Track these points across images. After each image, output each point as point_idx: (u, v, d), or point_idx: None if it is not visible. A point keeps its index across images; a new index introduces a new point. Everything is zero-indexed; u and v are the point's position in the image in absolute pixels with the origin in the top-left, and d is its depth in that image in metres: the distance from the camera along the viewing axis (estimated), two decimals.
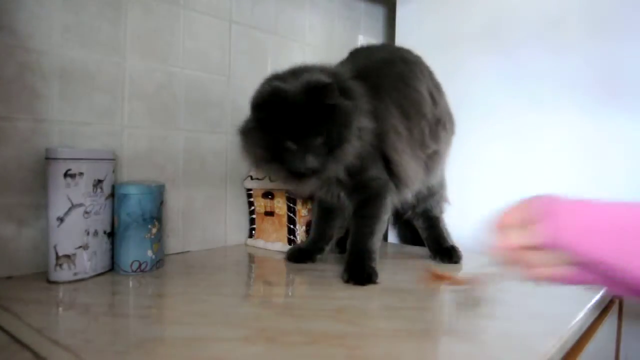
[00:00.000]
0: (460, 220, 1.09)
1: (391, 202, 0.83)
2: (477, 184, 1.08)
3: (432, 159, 0.89)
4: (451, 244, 0.94)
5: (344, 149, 0.71)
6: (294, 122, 0.68)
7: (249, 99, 0.72)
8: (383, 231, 0.81)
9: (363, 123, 0.73)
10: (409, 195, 0.88)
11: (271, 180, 0.95)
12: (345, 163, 0.73)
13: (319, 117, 0.69)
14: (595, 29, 0.91)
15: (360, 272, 0.72)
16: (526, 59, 1.00)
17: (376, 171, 0.79)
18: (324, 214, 0.88)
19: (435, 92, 0.91)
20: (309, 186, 0.75)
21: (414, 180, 0.86)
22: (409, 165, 0.83)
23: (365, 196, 0.78)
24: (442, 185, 1.01)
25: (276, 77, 0.73)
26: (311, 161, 0.68)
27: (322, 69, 0.75)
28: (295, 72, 0.73)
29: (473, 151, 1.09)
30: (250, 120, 0.74)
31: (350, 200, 0.80)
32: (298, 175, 0.72)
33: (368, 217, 0.78)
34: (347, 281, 0.72)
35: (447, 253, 0.91)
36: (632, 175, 0.87)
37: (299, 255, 0.86)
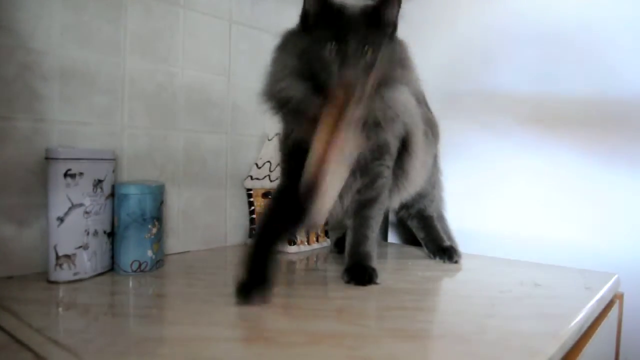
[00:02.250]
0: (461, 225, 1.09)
1: (388, 202, 0.83)
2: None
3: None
4: (449, 243, 0.94)
5: (395, 91, 0.69)
6: (347, 24, 0.65)
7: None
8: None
9: (416, 80, 0.72)
10: (406, 198, 0.89)
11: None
12: (391, 101, 0.68)
13: (376, 30, 0.66)
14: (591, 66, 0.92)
15: (361, 273, 0.72)
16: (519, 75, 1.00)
17: (389, 162, 0.77)
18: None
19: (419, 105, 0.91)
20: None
21: (417, 185, 0.86)
22: (418, 169, 0.83)
23: (368, 197, 0.77)
24: (434, 185, 1.01)
25: None
26: (353, 76, 0.62)
27: None
28: None
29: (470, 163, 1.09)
30: (295, 27, 0.71)
31: (354, 200, 0.78)
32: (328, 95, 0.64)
33: (369, 218, 0.77)
34: (348, 282, 0.72)
35: (447, 252, 0.91)
36: (629, 222, 0.87)
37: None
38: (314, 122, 0.63)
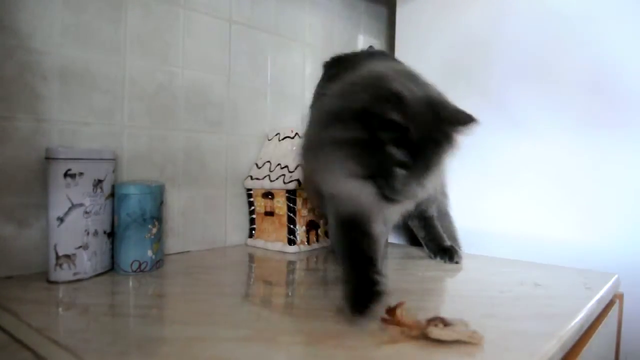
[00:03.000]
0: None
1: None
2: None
3: None
4: (450, 243, 0.94)
5: (441, 170, 0.64)
6: (418, 148, 0.56)
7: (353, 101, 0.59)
8: None
9: None
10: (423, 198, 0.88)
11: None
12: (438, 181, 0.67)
13: (443, 147, 0.59)
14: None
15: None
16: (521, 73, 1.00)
17: None
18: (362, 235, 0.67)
19: None
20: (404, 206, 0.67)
21: (436, 184, 0.87)
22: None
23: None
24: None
25: (392, 80, 0.58)
26: (413, 189, 0.59)
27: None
28: (417, 83, 0.61)
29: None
30: (352, 128, 0.57)
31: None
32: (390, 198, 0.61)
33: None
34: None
35: (447, 252, 0.91)
36: (629, 222, 0.87)
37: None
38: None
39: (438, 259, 0.92)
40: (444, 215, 1.04)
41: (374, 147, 0.56)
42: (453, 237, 1.01)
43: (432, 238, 0.96)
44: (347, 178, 0.60)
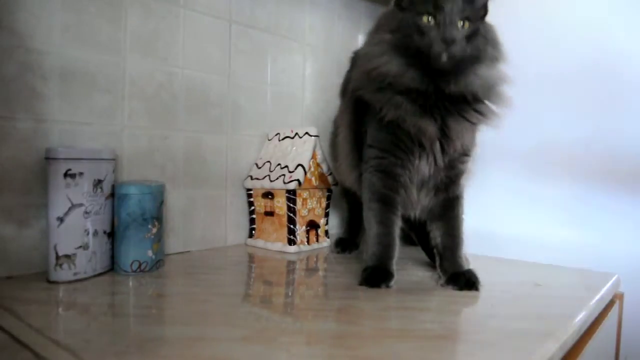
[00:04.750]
0: None
1: None
2: None
3: None
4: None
5: (488, 67, 0.69)
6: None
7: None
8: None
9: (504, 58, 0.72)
10: None
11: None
12: (485, 84, 0.69)
13: (472, 7, 0.67)
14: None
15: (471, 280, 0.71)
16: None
17: (473, 155, 0.76)
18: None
19: None
20: (447, 84, 0.67)
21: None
22: None
23: (452, 195, 0.76)
24: None
25: None
26: (455, 36, 0.64)
27: None
28: None
29: None
30: (389, 9, 0.72)
31: (438, 198, 0.76)
32: (431, 72, 0.66)
33: (458, 218, 0.77)
34: (460, 289, 0.70)
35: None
36: (629, 222, 0.87)
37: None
38: (409, 98, 0.68)
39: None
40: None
41: (405, 16, 0.67)
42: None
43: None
44: (386, 52, 0.68)
